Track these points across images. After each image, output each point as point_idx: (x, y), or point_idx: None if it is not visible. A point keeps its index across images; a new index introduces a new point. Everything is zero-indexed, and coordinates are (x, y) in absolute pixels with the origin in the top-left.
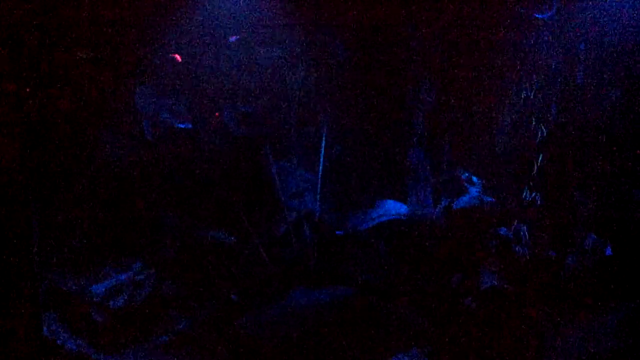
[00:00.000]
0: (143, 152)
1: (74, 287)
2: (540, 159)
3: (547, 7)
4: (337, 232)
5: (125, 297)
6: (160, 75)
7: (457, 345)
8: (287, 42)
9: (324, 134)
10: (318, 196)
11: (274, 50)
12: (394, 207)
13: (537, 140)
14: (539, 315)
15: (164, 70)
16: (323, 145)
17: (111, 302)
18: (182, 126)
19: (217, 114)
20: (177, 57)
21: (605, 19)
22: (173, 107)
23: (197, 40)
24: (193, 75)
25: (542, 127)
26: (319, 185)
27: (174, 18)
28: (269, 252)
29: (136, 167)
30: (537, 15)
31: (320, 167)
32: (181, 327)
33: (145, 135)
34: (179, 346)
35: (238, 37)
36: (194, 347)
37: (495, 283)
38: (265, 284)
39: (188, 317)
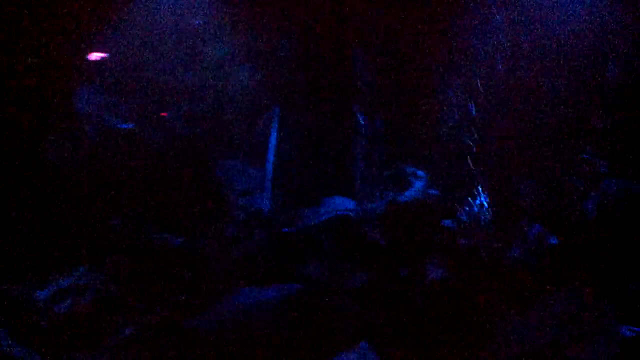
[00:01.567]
0: (86, 154)
1: (17, 293)
2: (476, 152)
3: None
4: (286, 230)
5: (70, 302)
6: (102, 76)
7: (405, 337)
8: (232, 39)
9: (271, 132)
10: (267, 194)
11: (219, 48)
12: (341, 203)
13: (478, 134)
14: (485, 305)
15: (106, 71)
16: (270, 143)
17: (56, 307)
18: (125, 126)
19: (164, 113)
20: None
21: (548, 16)
22: (115, 107)
23: (139, 41)
24: (136, 75)
25: (483, 122)
26: (267, 183)
27: (115, 19)
28: (218, 251)
29: (79, 170)
30: None
31: (269, 165)
32: (129, 330)
33: (88, 137)
34: (128, 350)
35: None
36: (143, 350)
37: (441, 275)
38: (214, 284)
39: (136, 320)
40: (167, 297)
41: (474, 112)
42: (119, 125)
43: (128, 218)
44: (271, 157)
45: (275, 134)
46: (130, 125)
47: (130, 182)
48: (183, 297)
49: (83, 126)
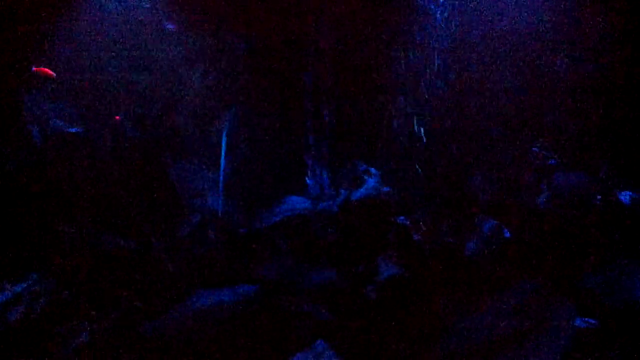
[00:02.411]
0: (34, 160)
1: None
2: (427, 148)
3: None
4: (241, 231)
5: (23, 309)
6: (49, 80)
7: (361, 334)
8: (184, 40)
9: (224, 133)
10: (221, 195)
11: (171, 49)
12: (296, 202)
13: (429, 130)
14: (440, 301)
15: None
16: (224, 144)
17: (8, 315)
18: (74, 130)
19: (117, 117)
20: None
21: (498, 10)
22: (63, 111)
23: (87, 43)
24: (84, 78)
25: (435, 116)
26: (221, 184)
27: (65, 21)
28: (172, 254)
29: (28, 175)
30: None
31: (222, 166)
32: (83, 336)
33: (35, 142)
34: (82, 356)
35: (174, 26)
36: (98, 356)
37: (396, 271)
38: (168, 288)
39: (90, 326)
40: (121, 302)
41: (425, 109)
42: (67, 129)
43: (79, 223)
44: (223, 157)
45: (226, 134)
46: (79, 129)
47: (80, 187)
48: (138, 302)
49: (30, 131)
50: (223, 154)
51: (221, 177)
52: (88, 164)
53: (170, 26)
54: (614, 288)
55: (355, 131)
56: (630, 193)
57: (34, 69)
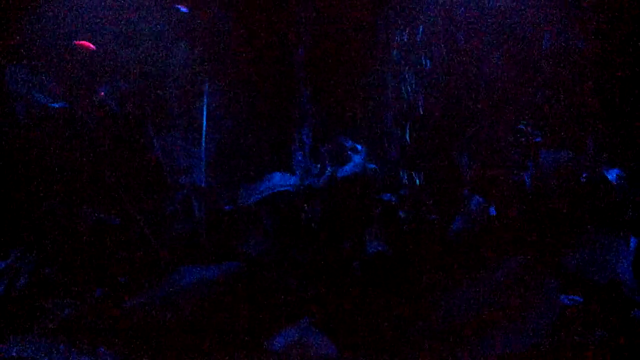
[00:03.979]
0: (16, 135)
1: None
2: (414, 122)
3: None
4: (226, 207)
5: (5, 285)
6: (31, 53)
7: (346, 311)
8: (170, 13)
9: (204, 108)
10: (206, 171)
11: (156, 22)
12: (281, 179)
13: (417, 105)
14: (426, 278)
15: (36, 47)
16: (204, 119)
17: None
18: (57, 105)
19: (101, 92)
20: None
21: None
22: (46, 85)
23: (70, 17)
24: (68, 52)
25: (421, 92)
26: (206, 161)
27: None
28: (157, 231)
29: (10, 152)
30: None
31: (203, 142)
32: (66, 312)
33: (18, 117)
34: (66, 331)
35: (187, 9)
36: (82, 331)
37: (382, 248)
38: (153, 264)
39: (73, 302)
40: (105, 278)
41: (412, 86)
42: (50, 104)
43: (63, 199)
44: (204, 133)
45: (210, 110)
46: (62, 104)
47: (64, 162)
48: (121, 278)
49: (14, 106)
50: (204, 129)
51: (203, 153)
52: (71, 139)
53: (183, 9)
54: (598, 264)
55: (341, 107)
56: (617, 170)
57: (74, 42)
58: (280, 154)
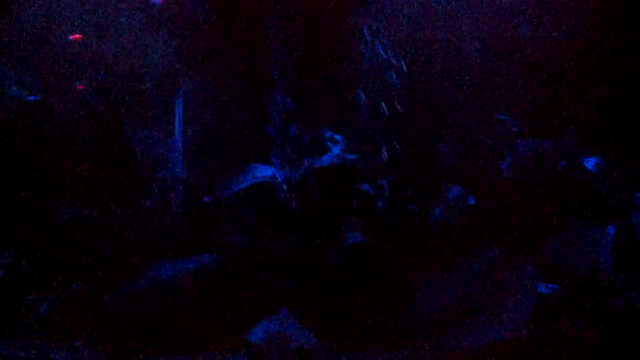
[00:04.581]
0: None
1: None
2: (394, 113)
3: None
4: (205, 199)
5: None
6: (8, 47)
7: (324, 302)
8: (146, 7)
9: (179, 101)
10: (185, 164)
11: (133, 16)
12: (260, 171)
13: (394, 96)
14: (405, 267)
15: (13, 41)
16: (179, 111)
17: None
18: (33, 99)
19: (80, 86)
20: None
21: None
22: (24, 79)
23: (48, 10)
24: (45, 46)
25: (399, 84)
26: (185, 153)
27: None
28: (136, 224)
29: None
30: None
31: (181, 134)
32: (44, 307)
33: None
34: (44, 327)
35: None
36: (60, 327)
37: (360, 238)
38: (132, 258)
39: (52, 297)
40: (83, 273)
41: (392, 77)
42: (27, 98)
43: (39, 193)
44: (179, 125)
45: (187, 102)
46: (39, 97)
47: (41, 156)
48: (100, 272)
49: None
50: (178, 122)
51: (179, 145)
52: (49, 133)
53: (155, 1)
54: (577, 253)
55: (320, 98)
56: (595, 159)
57: (70, 37)
58: (259, 145)
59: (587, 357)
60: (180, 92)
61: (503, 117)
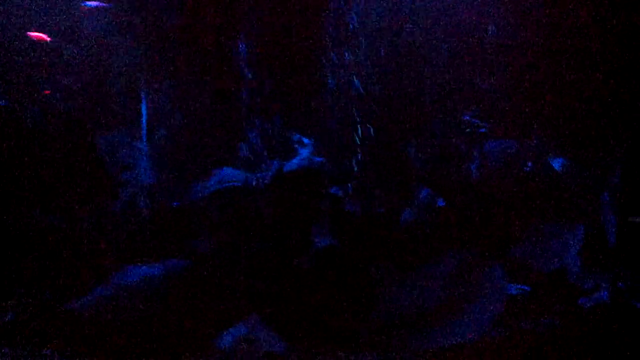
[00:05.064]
0: None
1: None
2: (362, 117)
3: None
4: (174, 204)
5: None
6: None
7: (294, 306)
8: (114, 11)
9: (150, 104)
10: (154, 168)
11: (100, 21)
12: (229, 174)
13: (364, 98)
14: (374, 270)
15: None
16: (150, 115)
17: None
18: None
19: (46, 90)
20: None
21: None
22: None
23: (15, 13)
24: (9, 49)
25: (368, 86)
26: (153, 157)
27: None
28: (102, 229)
29: None
30: None
31: (145, 139)
32: (7, 316)
33: None
34: (6, 336)
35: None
36: (23, 335)
37: (329, 242)
38: (98, 264)
39: (14, 305)
40: (49, 280)
41: (360, 80)
42: None
43: (3, 200)
44: (144, 129)
45: (155, 106)
46: (4, 103)
47: (5, 161)
48: (67, 279)
49: None
50: (145, 125)
51: (149, 150)
52: (13, 139)
53: (91, 4)
54: (545, 253)
55: (289, 102)
56: (562, 159)
57: (27, 34)
58: (228, 149)
59: (556, 357)
60: (148, 96)
61: (471, 118)
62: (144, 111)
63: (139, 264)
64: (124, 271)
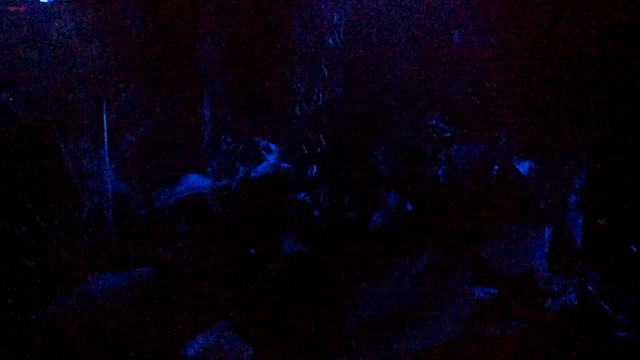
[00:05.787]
0: None
1: None
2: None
3: None
4: (140, 212)
5: None
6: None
7: (263, 313)
8: (79, 14)
9: (103, 113)
10: (119, 176)
11: (65, 25)
12: (196, 181)
13: (330, 103)
14: (343, 276)
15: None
16: (104, 121)
17: None
18: None
19: (4, 97)
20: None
21: None
22: None
23: None
24: None
25: (335, 91)
26: (119, 165)
27: None
28: (67, 239)
29: None
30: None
31: (107, 146)
32: None
33: None
34: None
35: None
36: None
37: (297, 248)
38: (62, 273)
39: None
40: (10, 290)
41: (325, 84)
42: None
43: None
44: (106, 136)
45: (117, 112)
46: None
47: None
48: (27, 289)
49: None
50: (107, 133)
51: (114, 157)
52: None
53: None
54: (513, 256)
55: (254, 108)
56: (530, 163)
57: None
58: (194, 156)
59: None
60: (113, 102)
61: (437, 122)
62: (107, 118)
63: (105, 273)
64: (89, 281)
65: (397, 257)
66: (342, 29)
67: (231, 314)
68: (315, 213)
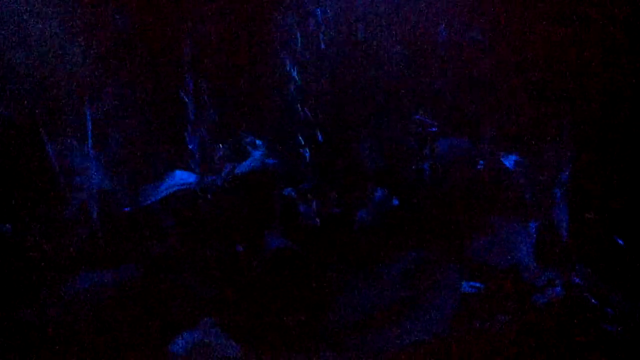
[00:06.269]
0: None
1: None
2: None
3: None
4: (126, 209)
5: None
6: None
7: (248, 309)
8: (64, 14)
9: (87, 109)
10: (105, 173)
11: (49, 25)
12: (182, 178)
13: (316, 98)
14: (328, 272)
15: None
16: (88, 118)
17: None
18: None
19: None
20: None
21: None
22: None
23: None
24: None
25: (320, 86)
26: (105, 162)
27: None
28: (52, 237)
29: None
30: None
31: (93, 142)
32: None
33: None
34: None
35: None
36: None
37: (283, 244)
38: (48, 272)
39: None
40: None
41: (310, 79)
42: None
43: None
44: (89, 133)
45: (103, 109)
46: None
47: None
48: (12, 287)
49: None
50: (91, 130)
51: (91, 154)
52: None
53: None
54: (498, 250)
55: (240, 103)
56: (515, 157)
57: None
58: (180, 152)
59: (510, 354)
60: (97, 99)
61: (422, 117)
62: (92, 115)
63: (90, 270)
64: (75, 278)
65: (383, 252)
66: (329, 25)
67: (217, 310)
68: (301, 209)
